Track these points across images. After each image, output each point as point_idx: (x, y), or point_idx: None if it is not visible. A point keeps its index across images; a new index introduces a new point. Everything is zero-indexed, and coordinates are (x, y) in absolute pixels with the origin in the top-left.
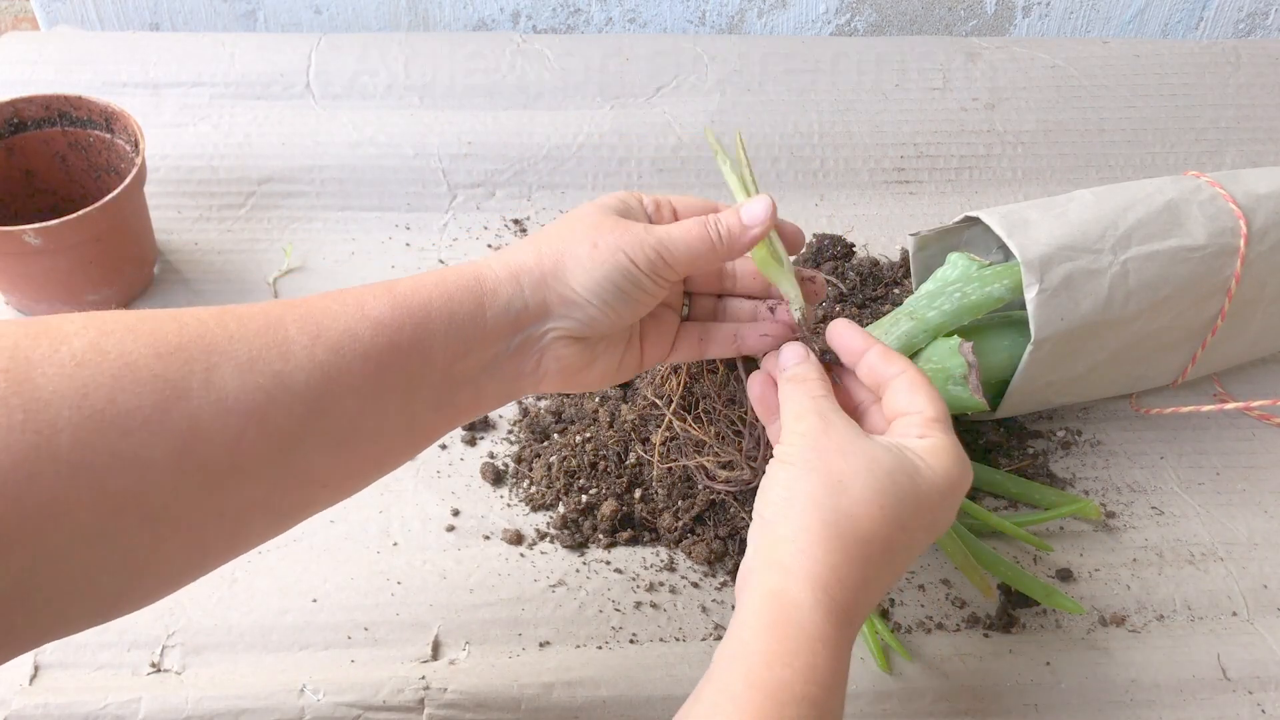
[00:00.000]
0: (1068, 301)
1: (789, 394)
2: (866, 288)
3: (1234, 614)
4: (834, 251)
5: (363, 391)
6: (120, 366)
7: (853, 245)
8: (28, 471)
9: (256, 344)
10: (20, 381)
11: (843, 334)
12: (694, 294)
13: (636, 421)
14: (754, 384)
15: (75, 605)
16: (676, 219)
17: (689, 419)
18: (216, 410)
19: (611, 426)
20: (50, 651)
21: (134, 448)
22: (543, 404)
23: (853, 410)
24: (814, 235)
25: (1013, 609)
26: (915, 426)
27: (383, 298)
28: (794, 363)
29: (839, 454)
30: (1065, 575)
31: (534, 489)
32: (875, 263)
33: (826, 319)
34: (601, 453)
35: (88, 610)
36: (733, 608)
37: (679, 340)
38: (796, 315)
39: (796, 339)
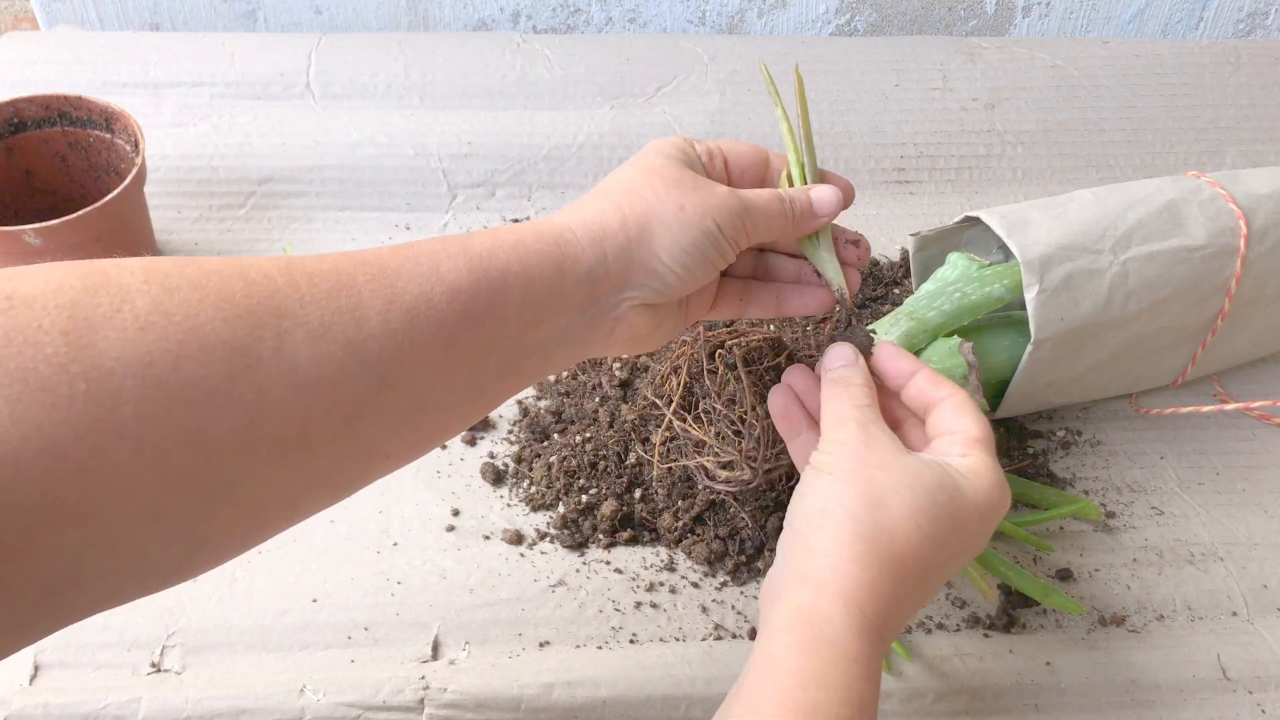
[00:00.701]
0: (1068, 301)
1: (832, 397)
2: (866, 288)
3: (1234, 614)
4: None
5: (435, 362)
6: (186, 331)
7: None
8: (90, 446)
9: (329, 308)
10: (82, 347)
11: (890, 358)
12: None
13: (636, 421)
14: (776, 397)
15: (129, 580)
16: (728, 170)
17: (689, 419)
18: (287, 382)
19: (611, 426)
20: (50, 651)
21: (199, 421)
22: (543, 404)
23: (892, 423)
24: None
25: (1013, 609)
26: (958, 445)
27: (459, 259)
28: (840, 364)
29: (880, 467)
30: (1065, 575)
31: (534, 489)
32: (875, 263)
33: (828, 319)
34: (601, 453)
35: (140, 584)
36: (733, 608)
37: (720, 298)
38: (837, 295)
39: (837, 338)
